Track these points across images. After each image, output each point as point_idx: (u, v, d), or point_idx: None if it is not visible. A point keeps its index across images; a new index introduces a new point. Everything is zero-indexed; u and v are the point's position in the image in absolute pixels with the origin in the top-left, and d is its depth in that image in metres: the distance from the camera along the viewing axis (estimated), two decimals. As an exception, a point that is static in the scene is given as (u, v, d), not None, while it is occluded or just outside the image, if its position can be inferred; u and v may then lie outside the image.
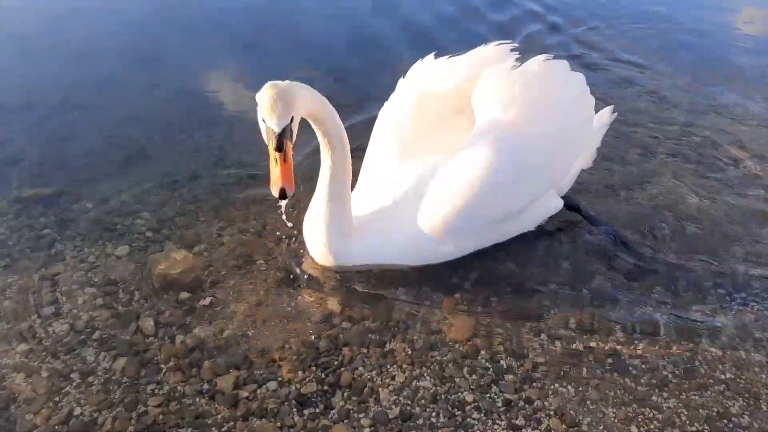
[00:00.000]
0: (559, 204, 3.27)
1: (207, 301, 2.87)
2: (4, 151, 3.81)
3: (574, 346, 2.75)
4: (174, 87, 4.65)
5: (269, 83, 2.42)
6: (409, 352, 2.69)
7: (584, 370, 2.66)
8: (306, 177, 3.32)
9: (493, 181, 2.83)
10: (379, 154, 3.18)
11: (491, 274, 3.08)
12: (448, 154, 2.93)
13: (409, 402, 2.50)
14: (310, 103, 2.55)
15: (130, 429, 2.35)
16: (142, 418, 2.38)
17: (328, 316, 2.83)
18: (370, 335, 2.76)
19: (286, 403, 2.47)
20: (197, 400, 2.46)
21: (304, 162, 3.65)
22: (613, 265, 3.18)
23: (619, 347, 2.75)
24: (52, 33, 5.28)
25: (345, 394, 2.52)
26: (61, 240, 3.16)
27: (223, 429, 2.37)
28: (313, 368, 2.61)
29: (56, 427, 2.34)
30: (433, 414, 2.47)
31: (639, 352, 2.74)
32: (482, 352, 2.71)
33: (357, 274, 3.00)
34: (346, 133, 2.79)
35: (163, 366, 2.57)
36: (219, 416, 2.41)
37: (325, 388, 2.54)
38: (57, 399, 2.43)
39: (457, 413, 2.47)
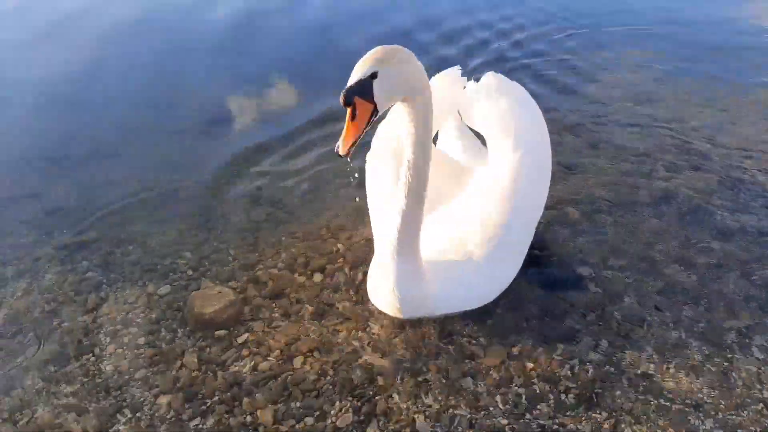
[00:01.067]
0: None
1: (244, 337, 2.97)
2: (43, 201, 3.99)
3: (605, 369, 2.77)
4: (196, 128, 4.83)
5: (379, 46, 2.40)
6: (444, 381, 2.74)
7: (617, 393, 2.67)
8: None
9: (539, 188, 3.11)
10: (384, 199, 3.08)
11: (520, 299, 3.11)
12: (472, 179, 3.14)
13: (446, 430, 2.55)
14: (406, 70, 2.41)
15: (177, 463, 2.44)
16: (188, 453, 2.47)
17: (361, 347, 2.90)
18: (403, 364, 2.82)
19: (323, 436, 2.54)
20: (240, 432, 2.55)
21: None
22: (641, 285, 3.20)
23: (651, 370, 2.76)
24: (73, 84, 5.49)
25: (381, 423, 2.58)
26: (105, 282, 3.31)
27: (265, 462, 2.45)
28: (349, 398, 2.68)
29: (107, 463, 2.45)
30: (470, 440, 2.51)
31: (672, 372, 2.75)
32: (515, 378, 2.74)
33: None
34: (431, 139, 2.65)
35: (207, 401, 2.67)
36: (261, 450, 2.49)
37: (361, 418, 2.60)
38: (108, 436, 2.54)
39: (492, 439, 2.51)
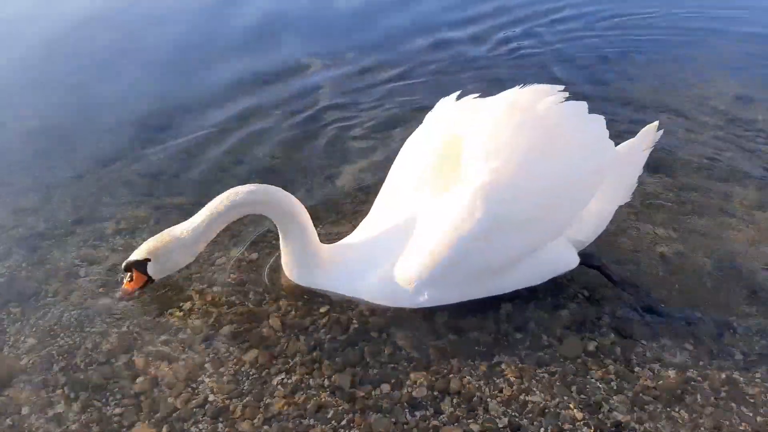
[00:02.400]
0: (574, 261, 3.02)
1: (326, 306, 3.06)
2: (149, 166, 4.24)
3: (688, 372, 2.71)
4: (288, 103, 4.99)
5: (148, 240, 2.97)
6: (518, 366, 2.75)
7: (698, 397, 2.61)
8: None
9: (468, 234, 2.66)
10: (388, 187, 3.14)
11: (602, 293, 3.09)
12: (438, 198, 2.83)
13: (518, 414, 2.57)
14: (179, 259, 3.00)
15: (258, 416, 2.56)
16: (269, 407, 2.59)
17: (436, 325, 2.95)
18: (477, 348, 2.85)
19: (398, 405, 2.60)
20: (319, 393, 2.64)
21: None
22: (732, 287, 3.10)
23: (736, 375, 2.68)
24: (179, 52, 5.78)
25: (454, 401, 2.62)
26: (196, 244, 3.48)
27: (342, 422, 2.54)
28: (423, 373, 2.73)
29: (194, 410, 2.59)
30: (542, 428, 2.52)
31: (758, 380, 2.66)
32: (592, 371, 2.73)
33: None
34: (293, 207, 2.92)
35: (289, 361, 2.78)
36: (338, 409, 2.58)
37: (435, 393, 2.65)
38: (194, 386, 2.69)
39: (566, 428, 2.50)
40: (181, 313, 3.04)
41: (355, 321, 2.98)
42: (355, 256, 3.03)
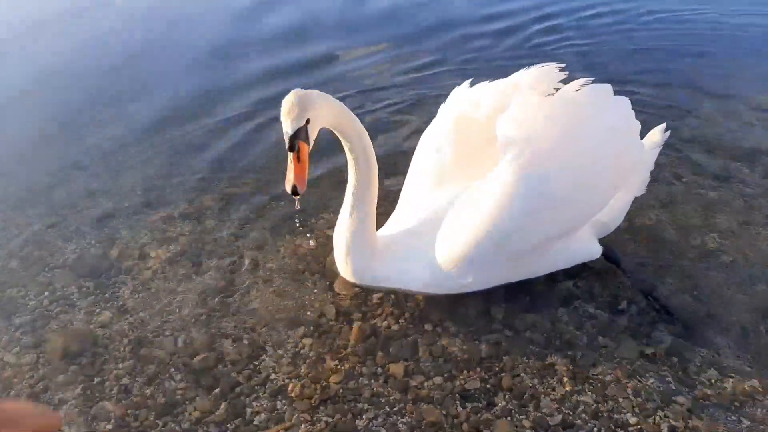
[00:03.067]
0: (596, 251, 3.10)
1: (379, 297, 3.13)
2: (209, 153, 4.40)
3: (747, 384, 2.66)
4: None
5: (293, 90, 2.59)
6: (571, 367, 2.75)
7: (758, 411, 2.56)
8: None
9: (511, 213, 2.70)
10: (415, 178, 3.23)
11: (660, 302, 3.06)
12: (475, 182, 2.90)
13: (571, 413, 2.57)
14: (328, 111, 2.66)
15: (315, 397, 2.65)
16: (325, 390, 2.67)
17: (491, 322, 2.97)
18: (531, 346, 2.86)
19: (450, 395, 2.64)
20: (372, 381, 2.71)
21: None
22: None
23: (803, 390, 2.61)
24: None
25: (507, 396, 2.64)
26: (257, 230, 3.61)
27: (395, 409, 2.60)
28: (477, 369, 2.76)
29: (255, 387, 2.70)
30: (594, 429, 2.51)
31: (825, 397, 2.58)
32: (648, 375, 2.70)
33: (524, 286, 3.12)
34: (372, 151, 2.87)
35: (342, 350, 2.86)
36: (391, 398, 2.64)
37: (487, 387, 2.68)
38: (256, 363, 2.80)
39: None
40: (244, 297, 3.16)
41: (407, 313, 3.03)
42: (398, 247, 3.06)
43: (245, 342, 2.90)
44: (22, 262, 3.46)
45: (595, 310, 3.02)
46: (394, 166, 3.90)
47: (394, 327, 2.97)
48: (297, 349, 2.86)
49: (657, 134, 3.31)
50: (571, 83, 2.92)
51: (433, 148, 3.20)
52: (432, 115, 3.38)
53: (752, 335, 2.87)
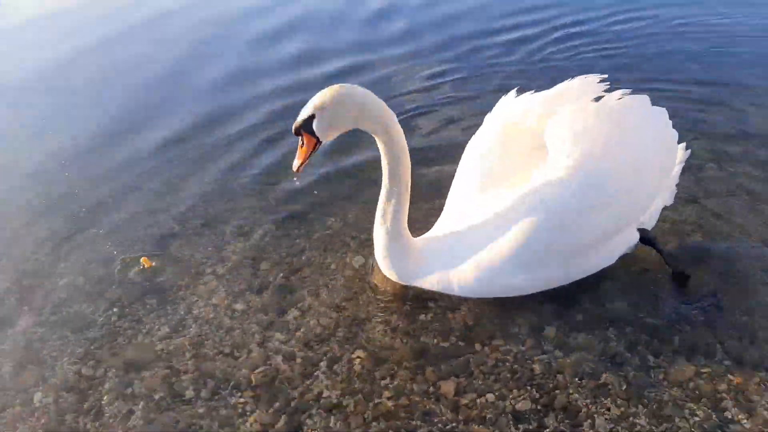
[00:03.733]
0: (635, 237, 3.20)
1: (430, 314, 3.18)
2: (267, 174, 4.53)
3: (812, 409, 2.59)
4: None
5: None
6: (625, 387, 2.73)
7: (823, 436, 2.49)
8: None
9: (563, 212, 2.84)
10: (461, 184, 3.34)
11: (715, 321, 3.01)
12: (523, 186, 3.01)
13: (625, 435, 2.56)
14: (358, 112, 2.87)
15: (368, 413, 2.71)
16: (378, 406, 2.74)
17: (542, 341, 2.98)
18: (584, 366, 2.85)
19: (503, 415, 2.66)
20: (424, 398, 2.76)
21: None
22: None
23: None
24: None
25: (559, 417, 2.65)
26: (309, 249, 3.71)
27: (447, 428, 2.64)
28: (528, 388, 2.77)
29: (309, 402, 2.78)
30: (650, 451, 2.49)
31: None
32: (704, 399, 2.66)
33: (575, 305, 3.12)
34: (406, 152, 3.00)
35: (394, 366, 2.92)
36: (443, 417, 2.68)
37: (539, 407, 2.69)
38: (310, 381, 2.88)
39: (676, 455, 2.47)
40: (298, 314, 3.26)
41: (457, 331, 3.07)
42: (443, 247, 3.15)
43: (299, 359, 2.99)
44: (89, 279, 3.65)
45: (648, 329, 2.99)
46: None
47: (444, 344, 3.01)
48: (350, 366, 2.94)
49: (678, 153, 3.42)
50: (612, 93, 3.13)
51: (479, 155, 3.31)
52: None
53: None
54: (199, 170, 4.64)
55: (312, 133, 2.89)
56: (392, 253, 3.18)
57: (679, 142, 3.34)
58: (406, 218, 3.15)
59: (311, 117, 2.86)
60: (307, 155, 2.95)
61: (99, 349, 3.16)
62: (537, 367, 2.86)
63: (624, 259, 3.27)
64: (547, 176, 2.91)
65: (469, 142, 3.47)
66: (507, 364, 2.89)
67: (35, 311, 3.43)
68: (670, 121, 3.19)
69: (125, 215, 4.18)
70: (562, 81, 3.27)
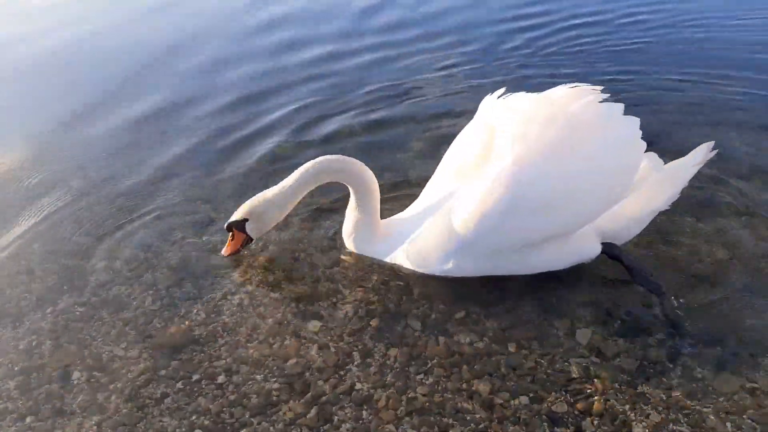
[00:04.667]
0: (595, 250, 3.19)
1: (462, 313, 3.14)
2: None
3: None
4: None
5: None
6: (665, 397, 2.66)
7: None
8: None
9: (489, 211, 2.94)
10: (437, 175, 3.48)
11: (758, 331, 2.92)
12: (472, 182, 3.12)
13: (665, 443, 2.49)
14: (273, 219, 3.49)
15: (401, 409, 2.69)
16: (411, 402, 2.71)
17: (579, 345, 2.92)
18: (622, 373, 2.78)
19: (537, 417, 2.61)
20: (457, 396, 2.72)
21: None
22: None
23: None
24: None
25: (596, 422, 2.59)
26: (344, 244, 3.70)
27: (480, 426, 2.60)
28: (564, 392, 2.72)
29: (341, 396, 2.77)
30: (690, 461, 2.42)
31: None
32: (750, 411, 2.57)
33: (615, 311, 3.06)
34: (373, 182, 3.38)
35: (428, 361, 2.89)
36: (477, 415, 2.64)
37: (576, 411, 2.63)
38: (342, 372, 2.87)
39: (717, 467, 2.39)
40: (332, 306, 3.25)
41: (491, 331, 3.03)
42: (400, 229, 3.42)
43: (332, 350, 2.99)
44: (127, 264, 3.70)
45: (690, 339, 2.91)
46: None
47: (479, 344, 2.98)
48: (383, 360, 2.92)
49: (700, 152, 3.32)
50: (582, 99, 3.00)
51: (456, 149, 3.42)
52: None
53: None
54: (235, 158, 4.69)
55: (243, 231, 3.45)
56: (359, 234, 3.49)
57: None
58: (378, 211, 3.45)
59: (245, 220, 3.42)
60: (236, 249, 3.53)
61: (134, 330, 3.20)
62: (574, 371, 2.80)
63: (669, 268, 3.22)
64: (483, 177, 3.01)
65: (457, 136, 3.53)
66: (543, 366, 2.84)
67: (76, 292, 3.49)
68: (640, 132, 2.96)
69: (166, 202, 4.23)
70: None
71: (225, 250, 3.54)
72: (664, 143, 4.15)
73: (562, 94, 3.06)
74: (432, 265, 3.27)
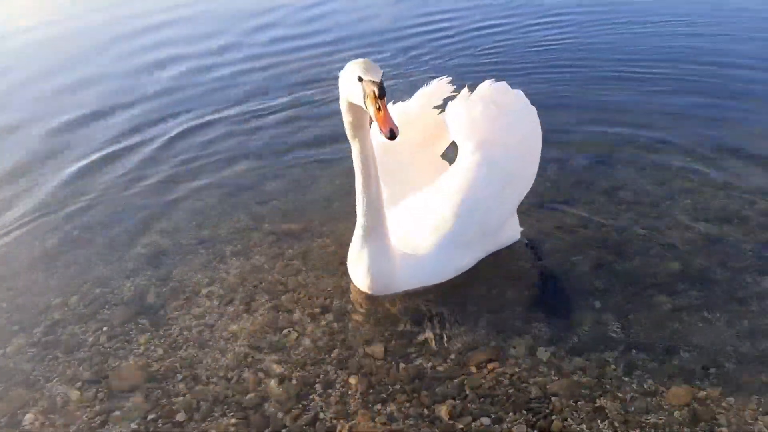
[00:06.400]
0: (518, 232, 3.67)
1: (424, 336, 3.16)
2: (258, 194, 4.56)
3: (810, 431, 2.57)
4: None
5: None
6: (622, 412, 2.71)
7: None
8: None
9: (486, 190, 3.24)
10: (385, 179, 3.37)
11: (709, 341, 3.01)
12: (439, 182, 3.35)
13: (622, 460, 2.53)
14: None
15: (363, 438, 2.68)
16: (374, 431, 2.70)
17: (537, 363, 2.96)
18: (580, 389, 2.83)
19: (498, 440, 2.63)
20: (419, 422, 2.72)
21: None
22: None
23: None
24: None
25: (555, 442, 2.62)
26: (305, 270, 3.69)
27: (442, 452, 2.60)
28: (524, 411, 2.75)
29: (304, 427, 2.74)
30: (646, 476, 2.46)
31: None
32: (702, 423, 2.63)
33: (572, 328, 3.12)
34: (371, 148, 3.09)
35: (389, 387, 2.89)
36: (439, 440, 2.65)
37: (536, 430, 2.66)
38: (305, 403, 2.85)
39: (673, 479, 2.44)
40: (293, 336, 3.23)
41: (453, 354, 3.05)
42: (405, 249, 3.33)
43: (294, 381, 2.96)
44: (82, 299, 3.61)
45: (644, 353, 2.98)
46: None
47: (440, 367, 2.99)
48: (345, 389, 2.90)
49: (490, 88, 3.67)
50: (482, 83, 3.53)
51: (395, 158, 3.52)
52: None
53: None
54: (196, 190, 4.64)
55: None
56: (379, 265, 3.24)
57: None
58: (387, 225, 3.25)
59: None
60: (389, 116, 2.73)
61: (88, 370, 3.12)
62: (533, 390, 2.83)
63: (623, 282, 3.33)
64: (464, 168, 3.29)
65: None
66: (503, 387, 2.87)
67: (27, 331, 3.39)
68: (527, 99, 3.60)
69: (117, 234, 4.16)
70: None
71: (390, 122, 2.68)
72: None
73: (480, 91, 3.51)
74: (453, 269, 3.37)
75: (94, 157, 5.23)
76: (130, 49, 8.04)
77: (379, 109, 2.68)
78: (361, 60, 2.78)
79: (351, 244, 3.37)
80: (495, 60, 6.78)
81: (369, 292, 3.36)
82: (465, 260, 3.41)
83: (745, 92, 5.70)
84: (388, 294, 3.35)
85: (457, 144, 3.42)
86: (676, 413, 2.68)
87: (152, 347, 3.24)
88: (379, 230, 3.17)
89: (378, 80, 2.70)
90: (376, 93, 2.68)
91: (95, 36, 8.77)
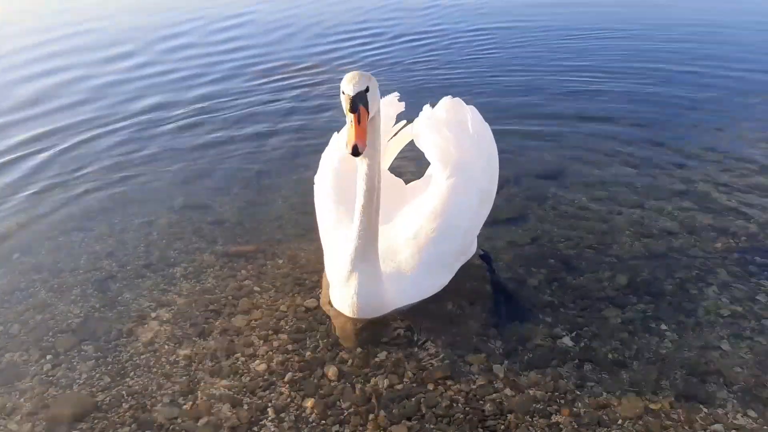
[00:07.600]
0: (475, 247, 3.70)
1: (383, 355, 3.13)
2: (210, 214, 4.47)
3: (754, 439, 2.64)
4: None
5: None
6: (576, 426, 2.73)
7: (767, 466, 2.53)
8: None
9: (468, 206, 3.34)
10: (335, 224, 3.42)
11: (658, 354, 3.07)
12: (418, 202, 3.40)
13: (576, 474, 2.54)
14: (376, 98, 2.83)
15: (318, 463, 2.62)
16: (328, 455, 2.65)
17: (493, 380, 2.97)
18: (534, 404, 2.84)
19: (455, 460, 2.61)
20: (376, 445, 2.68)
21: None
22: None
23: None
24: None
25: (511, 458, 2.61)
26: (259, 291, 3.63)
27: (399, 475, 2.56)
28: (480, 429, 2.74)
29: (256, 453, 2.67)
30: (601, 490, 2.48)
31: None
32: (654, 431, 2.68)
33: (525, 343, 3.14)
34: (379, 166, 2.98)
35: (345, 411, 2.84)
36: (394, 463, 2.61)
37: (492, 450, 2.66)
38: (257, 428, 2.77)
39: (627, 492, 2.46)
40: (245, 359, 3.15)
41: (410, 372, 3.02)
42: (389, 270, 3.26)
43: (245, 406, 2.88)
44: (24, 326, 3.45)
45: (597, 366, 3.02)
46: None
47: (398, 386, 2.96)
48: (299, 413, 2.84)
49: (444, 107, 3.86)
50: (441, 101, 3.78)
51: (331, 192, 3.51)
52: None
53: (756, 390, 2.85)
54: (144, 213, 4.52)
55: (366, 106, 2.72)
56: (369, 289, 3.13)
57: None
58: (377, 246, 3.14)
59: (366, 89, 2.72)
60: (365, 129, 2.70)
61: (29, 400, 2.97)
62: (488, 407, 2.83)
63: (574, 296, 3.36)
64: (442, 185, 3.32)
65: (317, 183, 3.66)
66: (459, 405, 2.85)
67: (-38, 362, 3.22)
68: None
69: (61, 258, 4.00)
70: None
71: (355, 137, 2.65)
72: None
73: (441, 108, 3.72)
74: (436, 286, 3.38)
75: (43, 181, 5.04)
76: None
77: (351, 123, 2.67)
78: (350, 73, 2.77)
79: (332, 268, 3.32)
80: (425, 72, 7.15)
81: (355, 316, 3.25)
82: (447, 276, 3.43)
83: (692, 106, 5.95)
84: (375, 317, 3.27)
85: (431, 163, 3.50)
86: (629, 425, 2.72)
87: (98, 375, 3.11)
88: (372, 253, 3.08)
89: (350, 93, 2.68)
90: (346, 107, 2.70)
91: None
